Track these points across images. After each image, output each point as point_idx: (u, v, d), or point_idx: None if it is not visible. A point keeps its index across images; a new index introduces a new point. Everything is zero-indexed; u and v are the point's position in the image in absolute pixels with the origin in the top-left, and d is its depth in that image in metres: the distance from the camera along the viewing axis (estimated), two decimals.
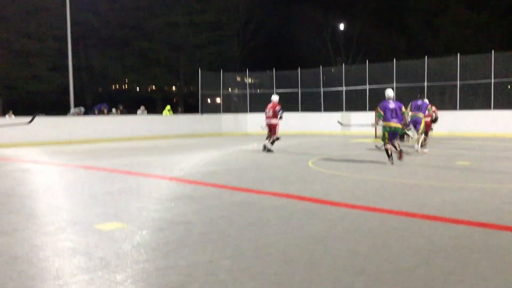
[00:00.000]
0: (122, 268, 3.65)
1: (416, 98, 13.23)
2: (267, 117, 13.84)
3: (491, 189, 6.99)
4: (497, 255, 3.86)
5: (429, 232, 4.61)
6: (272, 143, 13.65)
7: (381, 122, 10.47)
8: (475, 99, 21.28)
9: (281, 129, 14.09)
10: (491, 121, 18.67)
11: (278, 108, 13.73)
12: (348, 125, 19.16)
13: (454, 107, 20.18)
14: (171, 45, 38.84)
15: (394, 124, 10.15)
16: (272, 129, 13.73)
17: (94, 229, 4.85)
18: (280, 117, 13.76)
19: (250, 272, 3.53)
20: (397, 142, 10.37)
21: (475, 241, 4.29)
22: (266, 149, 13.53)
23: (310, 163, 10.53)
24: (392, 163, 10.12)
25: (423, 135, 12.66)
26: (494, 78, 19.03)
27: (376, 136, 16.55)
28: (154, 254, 4.00)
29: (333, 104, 24.66)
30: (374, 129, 16.03)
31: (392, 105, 10.22)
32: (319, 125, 23.17)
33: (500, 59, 18.98)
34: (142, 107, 24.89)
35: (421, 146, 12.57)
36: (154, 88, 45.73)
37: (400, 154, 10.14)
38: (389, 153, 10.23)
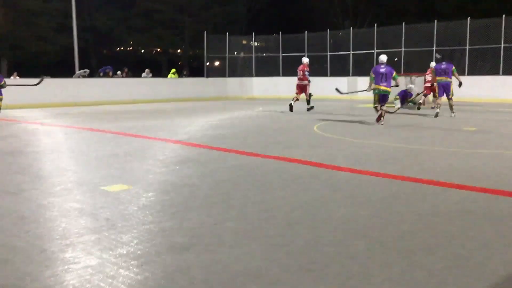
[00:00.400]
0: (128, 229, 3.70)
1: (434, 62, 13.18)
2: (298, 78, 15.06)
3: (497, 154, 6.97)
4: (499, 220, 3.87)
5: (433, 197, 4.63)
6: (308, 102, 15.04)
7: (373, 85, 11.21)
8: (484, 64, 20.96)
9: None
10: (499, 86, 18.46)
11: (306, 69, 14.87)
12: (346, 93, 18.99)
13: (462, 72, 19.88)
14: (176, 5, 38.22)
15: (384, 87, 10.99)
16: (303, 89, 14.99)
17: (100, 191, 4.89)
18: (308, 81, 14.91)
19: (253, 234, 3.57)
20: (385, 105, 11.16)
21: (478, 206, 4.30)
22: (308, 107, 14.95)
23: (315, 128, 10.50)
24: (382, 123, 10.95)
25: (451, 99, 12.85)
26: (504, 43, 18.69)
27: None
28: (159, 215, 4.05)
29: (340, 68, 24.39)
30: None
31: (383, 69, 11.04)
32: (325, 90, 22.97)
33: (511, 23, 18.59)
34: (147, 70, 24.70)
35: (451, 110, 12.88)
36: (159, 50, 45.28)
37: (379, 117, 11.07)
38: (379, 114, 11.06)
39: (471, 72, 19.47)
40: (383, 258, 3.09)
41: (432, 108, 13.10)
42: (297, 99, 14.95)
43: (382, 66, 11.16)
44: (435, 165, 6.17)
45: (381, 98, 11.05)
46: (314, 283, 2.71)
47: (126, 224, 3.82)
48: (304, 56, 16.64)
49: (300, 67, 15.04)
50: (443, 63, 13.05)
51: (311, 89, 15.15)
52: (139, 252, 3.21)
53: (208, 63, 25.70)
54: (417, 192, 4.83)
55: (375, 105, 11.20)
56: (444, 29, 20.50)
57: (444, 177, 5.45)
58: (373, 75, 11.19)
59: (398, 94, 16.13)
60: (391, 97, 12.84)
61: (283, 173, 5.77)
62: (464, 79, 14.71)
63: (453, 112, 12.92)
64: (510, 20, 18.53)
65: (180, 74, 27.49)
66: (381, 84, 10.99)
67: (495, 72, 19.08)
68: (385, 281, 2.74)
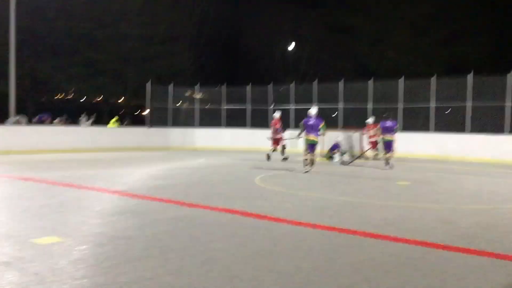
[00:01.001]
0: (57, 284, 3.50)
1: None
2: (272, 132, 16.93)
3: (429, 208, 7.26)
4: (433, 272, 3.99)
5: (371, 249, 4.72)
6: (283, 152, 16.63)
7: (303, 135, 12.64)
8: (416, 121, 22.17)
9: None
10: (430, 143, 19.47)
11: (279, 124, 16.91)
12: (286, 139, 19.67)
13: None
14: (119, 56, 38.17)
15: (312, 137, 12.42)
16: (278, 141, 16.78)
17: (30, 243, 4.63)
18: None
19: (193, 287, 3.48)
20: (313, 155, 12.53)
21: (414, 259, 4.43)
22: (283, 158, 16.44)
23: (256, 180, 10.57)
24: (307, 171, 12.26)
25: (389, 154, 14.08)
26: (434, 103, 19.90)
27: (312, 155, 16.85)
28: (92, 270, 3.87)
29: (282, 121, 24.94)
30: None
31: (312, 121, 12.48)
32: (267, 142, 23.34)
33: (440, 84, 19.89)
34: (86, 117, 23.95)
35: (388, 163, 13.99)
36: (100, 99, 44.63)
37: (311, 164, 12.42)
38: (307, 162, 12.44)
39: (405, 128, 20.45)
40: None
41: (385, 165, 14.05)
42: (275, 150, 16.60)
43: (311, 118, 12.57)
44: (372, 218, 6.33)
45: (309, 147, 12.47)
46: None
47: (56, 279, 3.62)
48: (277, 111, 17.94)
49: (273, 122, 16.90)
50: (389, 121, 14.16)
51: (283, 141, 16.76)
52: None
53: (150, 113, 25.50)
54: (355, 245, 4.91)
55: (304, 154, 12.57)
56: (379, 87, 21.60)
57: (381, 229, 5.59)
58: (303, 126, 12.62)
59: (331, 149, 16.88)
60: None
61: (224, 225, 5.71)
62: (397, 135, 15.53)
63: (390, 166, 13.87)
64: (439, 82, 19.82)
65: (121, 123, 27.09)
66: (310, 134, 12.42)
67: (427, 129, 20.16)
68: None
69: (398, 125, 14.40)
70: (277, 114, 17.12)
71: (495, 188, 9.90)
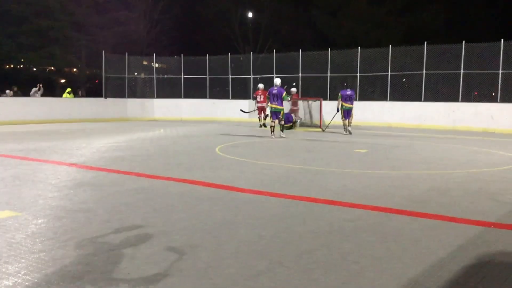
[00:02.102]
0: (14, 259, 3.42)
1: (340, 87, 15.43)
2: (258, 101, 18.21)
3: (386, 175, 7.46)
4: (389, 236, 4.13)
5: (329, 216, 4.83)
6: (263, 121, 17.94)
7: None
8: (373, 90, 22.53)
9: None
10: (387, 111, 19.89)
11: (261, 95, 17.99)
12: (250, 111, 19.97)
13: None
14: (72, 24, 36.67)
15: (275, 105, 13.50)
16: (262, 110, 18.03)
17: None
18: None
19: (153, 259, 3.47)
20: (279, 122, 13.64)
21: (370, 223, 4.56)
22: (261, 124, 18.07)
23: (217, 150, 10.55)
24: (273, 137, 13.33)
25: (348, 121, 15.11)
26: (390, 71, 20.24)
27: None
28: (50, 243, 3.79)
29: (241, 91, 24.84)
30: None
31: (275, 91, 13.48)
32: (227, 112, 23.25)
33: (397, 53, 20.20)
34: (38, 86, 22.93)
35: (348, 129, 15.03)
36: (53, 69, 43.00)
37: (272, 129, 13.60)
38: (272, 129, 13.58)
39: (362, 98, 20.77)
40: (284, 278, 3.14)
41: (348, 130, 15.06)
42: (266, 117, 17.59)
43: (275, 88, 13.60)
44: (331, 186, 6.46)
45: (273, 115, 13.63)
46: None
47: (13, 253, 3.53)
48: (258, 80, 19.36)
49: (257, 92, 18.42)
50: (348, 90, 15.13)
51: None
52: (27, 283, 2.98)
53: (106, 84, 24.80)
54: (314, 212, 5.01)
55: (270, 122, 13.79)
56: (337, 57, 21.74)
57: (339, 196, 5.72)
58: (268, 96, 13.76)
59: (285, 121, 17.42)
60: None
61: (184, 196, 5.70)
62: (356, 104, 15.80)
63: (350, 132, 14.92)
64: (396, 50, 20.12)
65: (75, 94, 26.27)
66: (273, 103, 13.51)
67: (383, 98, 20.54)
68: None
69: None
70: (261, 85, 18.47)
71: (448, 154, 10.26)
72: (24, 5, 35.48)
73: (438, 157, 9.65)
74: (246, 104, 21.93)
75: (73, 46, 38.35)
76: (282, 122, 13.87)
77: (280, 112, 13.57)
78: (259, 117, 18.40)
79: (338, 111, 15.19)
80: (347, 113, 15.05)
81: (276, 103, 13.44)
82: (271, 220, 4.62)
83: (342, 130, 15.32)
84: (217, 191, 6.03)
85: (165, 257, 3.51)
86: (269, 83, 23.02)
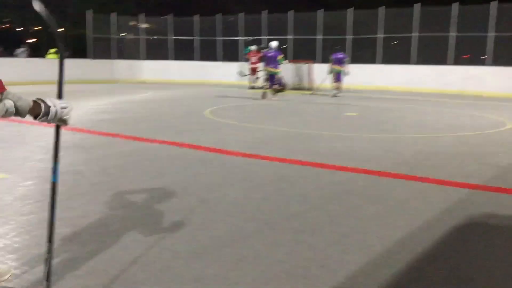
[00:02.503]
0: (4, 221, 3.41)
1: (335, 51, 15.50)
2: (252, 62, 18.32)
3: (375, 138, 7.50)
4: (377, 199, 4.17)
5: (318, 179, 4.86)
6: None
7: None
8: (364, 52, 22.38)
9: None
10: (377, 74, 19.82)
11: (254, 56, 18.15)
12: (247, 75, 19.67)
13: None
14: None
15: (271, 68, 13.53)
16: (255, 70, 18.24)
17: None
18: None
19: (143, 221, 3.48)
20: (273, 85, 13.86)
21: (359, 186, 4.60)
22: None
23: (207, 113, 10.49)
24: (268, 98, 13.45)
25: (338, 83, 15.37)
26: (382, 33, 20.05)
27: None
28: (39, 205, 3.78)
29: (231, 53, 24.53)
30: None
31: (271, 54, 13.50)
32: (216, 75, 23.00)
33: (389, 15, 19.97)
34: (24, 47, 22.59)
35: (337, 91, 15.45)
36: (37, 28, 41.98)
37: (264, 94, 13.64)
38: (263, 92, 13.69)
39: (353, 60, 20.64)
40: (272, 239, 3.18)
41: (334, 93, 15.32)
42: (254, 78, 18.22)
43: (271, 51, 13.59)
44: (320, 148, 6.48)
45: (270, 78, 13.72)
46: (204, 267, 2.71)
47: (1, 215, 3.52)
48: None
49: (249, 53, 18.58)
50: (340, 53, 15.34)
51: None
52: (16, 245, 2.98)
53: (92, 44, 24.29)
54: (304, 175, 5.03)
55: (265, 84, 13.97)
56: (329, 18, 21.44)
57: (329, 159, 5.74)
58: (263, 58, 13.94)
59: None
60: None
61: (174, 159, 5.69)
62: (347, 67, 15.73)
63: (335, 95, 15.17)
64: (389, 12, 19.88)
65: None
66: (269, 66, 13.51)
67: (374, 61, 20.43)
68: (274, 261, 2.82)
69: (347, 58, 15.65)
70: (253, 47, 18.70)
71: (437, 117, 10.31)
72: None
73: (427, 121, 9.70)
74: (236, 66, 21.69)
75: (58, 6, 37.35)
76: (277, 86, 14.01)
77: (275, 75, 13.74)
78: (250, 79, 18.48)
79: (329, 73, 15.25)
80: (338, 76, 15.22)
81: (272, 65, 13.50)
82: (260, 183, 4.63)
83: (332, 93, 15.35)
84: (207, 154, 6.02)
85: (155, 220, 3.52)
86: (260, 45, 22.78)
